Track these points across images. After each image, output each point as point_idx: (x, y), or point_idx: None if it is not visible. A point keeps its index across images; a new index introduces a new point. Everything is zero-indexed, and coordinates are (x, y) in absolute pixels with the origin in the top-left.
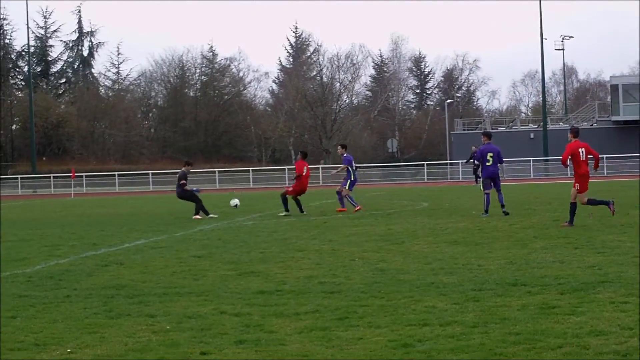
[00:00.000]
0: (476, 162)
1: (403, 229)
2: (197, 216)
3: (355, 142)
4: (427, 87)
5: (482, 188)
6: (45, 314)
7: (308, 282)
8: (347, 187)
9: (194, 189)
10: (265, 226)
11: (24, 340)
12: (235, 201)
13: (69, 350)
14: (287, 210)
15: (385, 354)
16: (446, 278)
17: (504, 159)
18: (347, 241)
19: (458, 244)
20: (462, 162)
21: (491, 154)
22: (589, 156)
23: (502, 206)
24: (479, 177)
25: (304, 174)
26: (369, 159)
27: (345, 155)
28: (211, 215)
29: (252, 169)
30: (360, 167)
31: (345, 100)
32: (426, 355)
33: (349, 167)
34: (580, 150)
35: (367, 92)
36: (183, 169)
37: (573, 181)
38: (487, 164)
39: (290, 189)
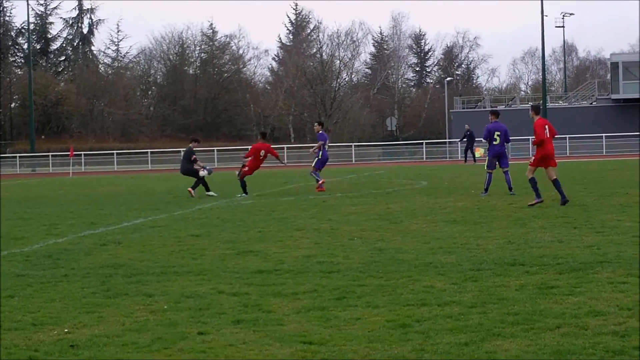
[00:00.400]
0: (467, 140)
1: (402, 208)
2: (191, 190)
3: (355, 120)
4: (426, 64)
5: (486, 167)
6: (43, 294)
7: (306, 262)
8: (313, 165)
9: (207, 167)
10: (263, 205)
11: (22, 320)
12: (204, 172)
13: (66, 330)
14: (246, 193)
15: (384, 334)
16: (444, 258)
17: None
18: (346, 220)
19: (457, 223)
20: (459, 142)
21: (498, 133)
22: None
23: (510, 188)
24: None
25: (261, 157)
26: (367, 137)
27: (321, 132)
28: (211, 193)
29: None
30: (359, 145)
31: (345, 78)
32: (424, 335)
33: (323, 142)
34: (545, 127)
35: (367, 70)
36: (190, 145)
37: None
38: (494, 142)
39: (247, 168)
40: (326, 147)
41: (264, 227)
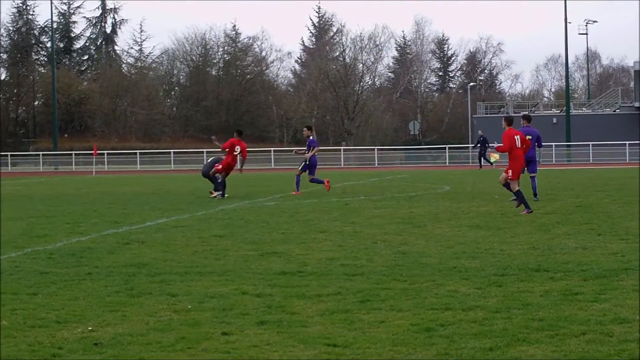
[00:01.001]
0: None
1: (425, 212)
2: (213, 192)
3: (377, 124)
4: (449, 69)
5: None
6: (67, 291)
7: (330, 264)
8: (300, 169)
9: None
10: (286, 207)
11: (45, 318)
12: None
13: (90, 328)
14: (223, 195)
15: (408, 338)
16: (468, 262)
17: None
18: (369, 223)
19: (480, 228)
20: (472, 147)
21: (529, 137)
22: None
23: (535, 194)
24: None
25: (235, 153)
26: (390, 141)
27: (311, 137)
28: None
29: (273, 149)
30: (382, 149)
31: (368, 82)
32: (448, 339)
33: (311, 150)
34: (515, 137)
35: (390, 74)
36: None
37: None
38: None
39: (220, 167)
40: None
41: (287, 229)
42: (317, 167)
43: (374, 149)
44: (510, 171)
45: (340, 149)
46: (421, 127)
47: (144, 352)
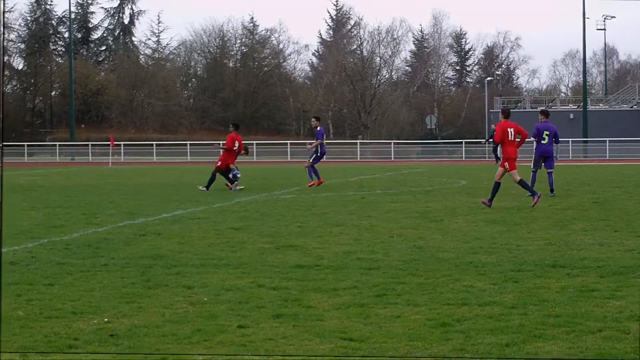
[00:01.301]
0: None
1: (442, 206)
2: (229, 185)
3: (394, 117)
4: (467, 64)
5: (531, 165)
6: (83, 282)
7: (346, 258)
8: (310, 160)
9: (235, 171)
10: (303, 200)
11: (62, 308)
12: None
13: (106, 319)
14: (207, 188)
15: (424, 333)
16: (485, 257)
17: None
18: (386, 217)
19: (497, 223)
20: (485, 142)
21: (547, 132)
22: (517, 136)
23: (551, 190)
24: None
25: (234, 148)
26: (406, 135)
27: (319, 128)
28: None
29: (290, 142)
30: (398, 143)
31: (385, 75)
32: (464, 335)
33: (321, 141)
34: (509, 130)
35: (407, 68)
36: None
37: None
38: (543, 142)
39: (219, 163)
40: (324, 142)
41: (304, 222)
42: (334, 160)
43: (391, 142)
44: (506, 163)
45: (356, 143)
46: (438, 121)
47: (160, 344)
